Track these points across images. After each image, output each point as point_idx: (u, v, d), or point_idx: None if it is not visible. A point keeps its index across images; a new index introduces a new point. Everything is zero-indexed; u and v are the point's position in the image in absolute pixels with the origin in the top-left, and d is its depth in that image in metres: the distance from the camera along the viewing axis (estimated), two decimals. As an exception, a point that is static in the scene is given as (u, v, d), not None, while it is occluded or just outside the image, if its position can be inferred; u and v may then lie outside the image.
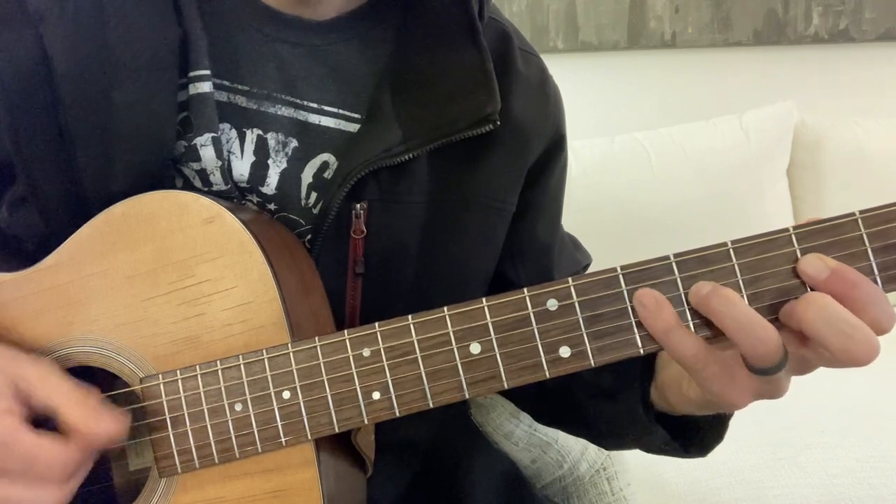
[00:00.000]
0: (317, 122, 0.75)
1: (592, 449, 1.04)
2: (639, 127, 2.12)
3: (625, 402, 0.72)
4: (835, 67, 2.38)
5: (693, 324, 0.56)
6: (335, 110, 0.75)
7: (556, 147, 0.86)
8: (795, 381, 0.58)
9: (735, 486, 1.38)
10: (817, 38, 2.35)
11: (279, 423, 0.62)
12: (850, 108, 2.28)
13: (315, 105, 0.75)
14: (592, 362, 0.57)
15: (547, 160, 0.85)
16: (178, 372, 0.64)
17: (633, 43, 2.31)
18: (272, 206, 0.74)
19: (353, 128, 0.76)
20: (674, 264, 0.56)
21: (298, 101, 0.74)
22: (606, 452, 1.05)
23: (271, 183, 0.73)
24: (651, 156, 2.05)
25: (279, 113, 0.74)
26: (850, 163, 2.15)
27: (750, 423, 1.44)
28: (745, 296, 0.55)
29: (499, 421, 1.00)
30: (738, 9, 2.31)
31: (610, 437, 0.81)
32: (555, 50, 2.27)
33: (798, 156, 2.20)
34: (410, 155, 0.72)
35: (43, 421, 0.59)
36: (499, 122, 0.74)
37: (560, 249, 0.90)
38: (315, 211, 0.74)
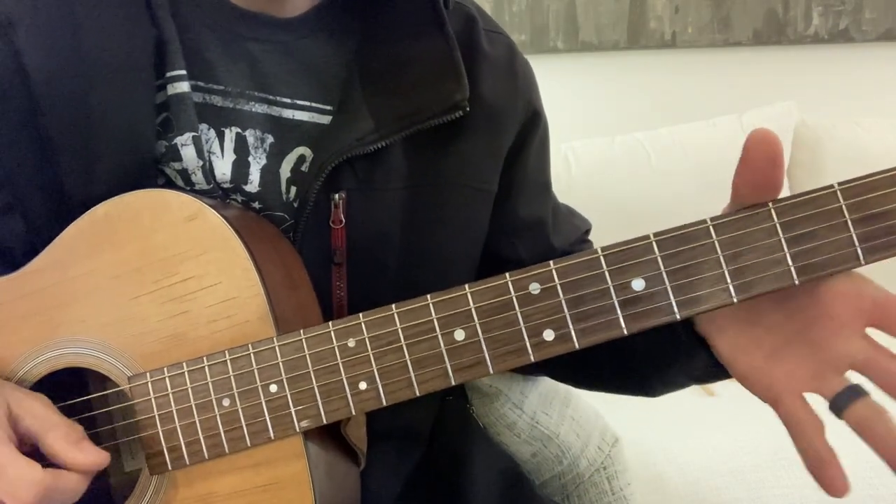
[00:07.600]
0: (290, 117, 0.75)
1: (592, 447, 1.03)
2: (639, 127, 2.11)
3: (666, 327, 0.69)
4: (835, 67, 2.36)
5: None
6: (308, 104, 0.76)
7: (531, 123, 0.86)
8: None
9: (735, 486, 1.37)
10: (817, 38, 2.34)
11: (267, 417, 0.62)
12: (850, 108, 2.27)
13: (288, 100, 0.75)
14: (577, 344, 0.57)
15: (524, 137, 0.85)
16: (165, 370, 0.64)
17: (633, 43, 2.30)
18: (257, 205, 0.74)
19: (327, 120, 0.76)
20: (654, 243, 0.55)
21: (271, 97, 0.75)
22: (606, 451, 1.04)
23: (254, 180, 0.74)
24: (651, 156, 2.04)
25: (254, 110, 0.74)
26: (850, 163, 2.12)
27: (750, 423, 1.41)
28: (726, 272, 0.54)
29: (502, 411, 0.99)
30: (738, 9, 2.31)
31: (654, 374, 0.79)
32: (555, 50, 2.25)
33: (798, 156, 2.19)
34: (383, 143, 0.73)
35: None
36: (468, 109, 0.75)
37: (555, 219, 0.90)
38: (295, 205, 0.74)
